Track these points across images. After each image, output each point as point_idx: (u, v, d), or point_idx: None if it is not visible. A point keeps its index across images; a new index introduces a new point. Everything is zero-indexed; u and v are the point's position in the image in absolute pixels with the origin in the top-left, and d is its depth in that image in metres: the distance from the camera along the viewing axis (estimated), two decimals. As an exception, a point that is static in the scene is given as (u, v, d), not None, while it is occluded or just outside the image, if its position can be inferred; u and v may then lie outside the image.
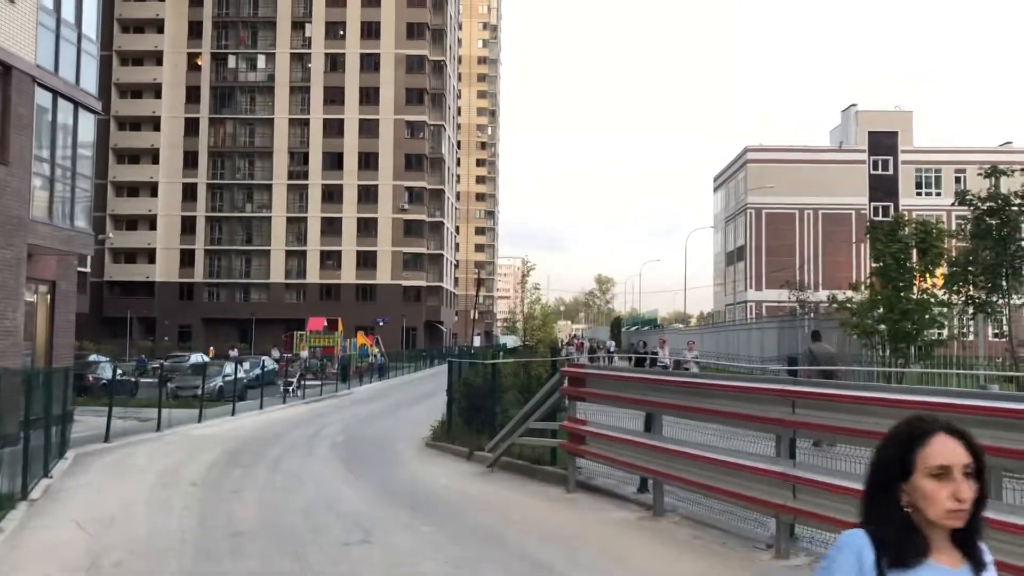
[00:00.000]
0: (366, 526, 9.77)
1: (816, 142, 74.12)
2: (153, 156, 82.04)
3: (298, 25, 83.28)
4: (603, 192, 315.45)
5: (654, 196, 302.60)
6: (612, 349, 58.18)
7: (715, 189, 78.04)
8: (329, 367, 46.21)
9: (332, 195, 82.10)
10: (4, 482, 10.17)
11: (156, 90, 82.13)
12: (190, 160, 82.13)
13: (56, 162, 20.35)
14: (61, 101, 20.15)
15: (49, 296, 21.60)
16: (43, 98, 19.36)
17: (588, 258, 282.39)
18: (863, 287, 22.51)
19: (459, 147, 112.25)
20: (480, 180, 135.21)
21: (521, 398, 14.74)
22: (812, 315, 30.77)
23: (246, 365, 39.01)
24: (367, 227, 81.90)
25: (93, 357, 39.08)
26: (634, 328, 75.64)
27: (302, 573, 7.92)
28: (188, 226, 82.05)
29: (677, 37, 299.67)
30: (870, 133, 64.82)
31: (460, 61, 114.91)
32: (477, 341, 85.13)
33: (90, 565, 8.11)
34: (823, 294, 38.39)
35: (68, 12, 20.59)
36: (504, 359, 24.00)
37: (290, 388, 34.41)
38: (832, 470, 7.39)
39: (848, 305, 21.18)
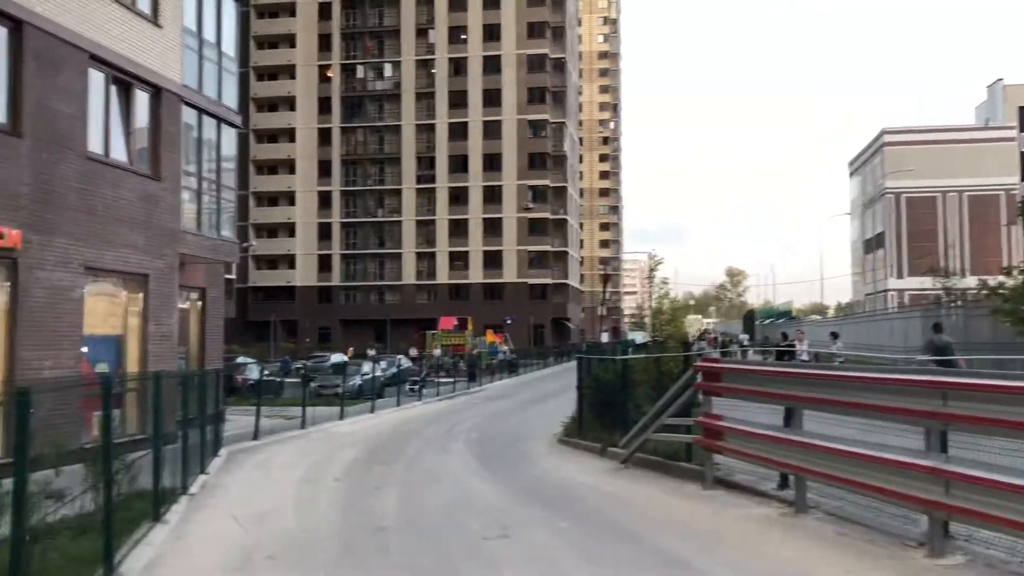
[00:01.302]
0: (503, 521, 9.92)
1: (958, 121, 70.16)
2: (290, 166, 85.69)
3: (422, 32, 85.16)
4: (731, 182, 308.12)
5: (786, 184, 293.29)
6: (745, 343, 56.80)
7: (851, 174, 75.08)
8: (461, 365, 47.01)
9: (458, 197, 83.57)
10: (167, 478, 10.84)
11: (291, 103, 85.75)
12: (324, 169, 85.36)
13: (202, 175, 21.53)
14: (205, 118, 21.32)
15: (200, 302, 22.88)
16: (189, 116, 20.53)
17: (717, 250, 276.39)
18: (1016, 272, 21.17)
19: (581, 143, 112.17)
20: (603, 176, 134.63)
21: (653, 394, 14.59)
22: (959, 302, 29.16)
23: (383, 364, 40.17)
24: (493, 227, 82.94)
25: (241, 359, 41.09)
26: (768, 321, 73.59)
27: (444, 567, 8.12)
28: (324, 232, 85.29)
29: (807, 16, 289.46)
30: (1021, 108, 60.87)
31: (581, 57, 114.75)
32: (605, 337, 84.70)
33: (246, 558, 8.57)
34: (971, 280, 36.33)
35: (209, 32, 21.75)
36: (633, 355, 23.81)
37: (415, 387, 34.85)
38: (993, 465, 6.99)
39: (1000, 291, 19.98)
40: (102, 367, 17.22)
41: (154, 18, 18.88)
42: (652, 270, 42.11)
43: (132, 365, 18.15)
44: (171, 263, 19.37)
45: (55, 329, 15.57)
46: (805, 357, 24.80)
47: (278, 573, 8.03)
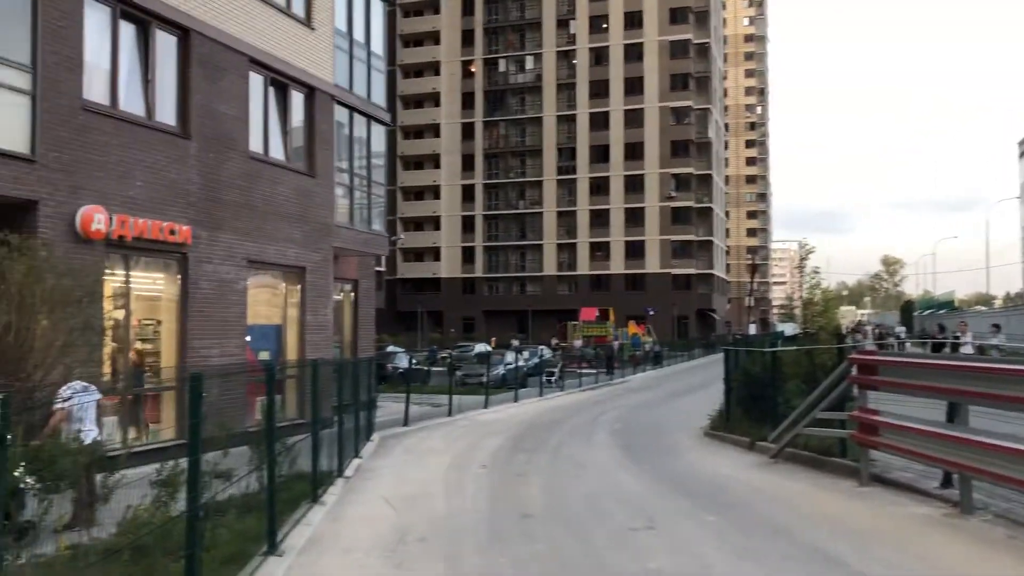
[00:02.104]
0: (649, 513, 9.86)
1: None
2: (435, 161, 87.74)
3: (563, 23, 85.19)
4: (886, 167, 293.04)
5: (945, 169, 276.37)
6: (903, 335, 54.04)
7: (1021, 155, 69.95)
8: (603, 356, 46.73)
9: (599, 187, 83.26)
10: (324, 461, 11.36)
11: (435, 99, 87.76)
12: (467, 162, 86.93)
13: (354, 172, 22.36)
14: (356, 116, 22.11)
15: (352, 293, 23.80)
16: (341, 114, 21.34)
17: (872, 238, 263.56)
18: None
19: (727, 130, 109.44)
20: (750, 162, 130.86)
21: (804, 387, 14.12)
22: None
23: (525, 354, 40.57)
24: (635, 217, 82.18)
25: (390, 348, 42.48)
26: (927, 312, 69.73)
27: (589, 556, 8.15)
28: (468, 225, 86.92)
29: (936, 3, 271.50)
30: None
31: (725, 41, 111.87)
32: (752, 329, 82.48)
33: (399, 539, 8.88)
34: None
35: (359, 33, 22.53)
36: (783, 347, 23.09)
37: (551, 379, 34.54)
38: None
39: None
40: (264, 355, 18.21)
41: (307, 21, 19.72)
42: (803, 259, 40.68)
43: (291, 353, 19.11)
44: (326, 256, 20.23)
45: (221, 319, 16.57)
46: (969, 349, 23.38)
47: (429, 555, 8.27)
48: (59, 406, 8.50)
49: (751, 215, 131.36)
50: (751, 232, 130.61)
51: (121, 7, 14.58)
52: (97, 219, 13.49)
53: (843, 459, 11.81)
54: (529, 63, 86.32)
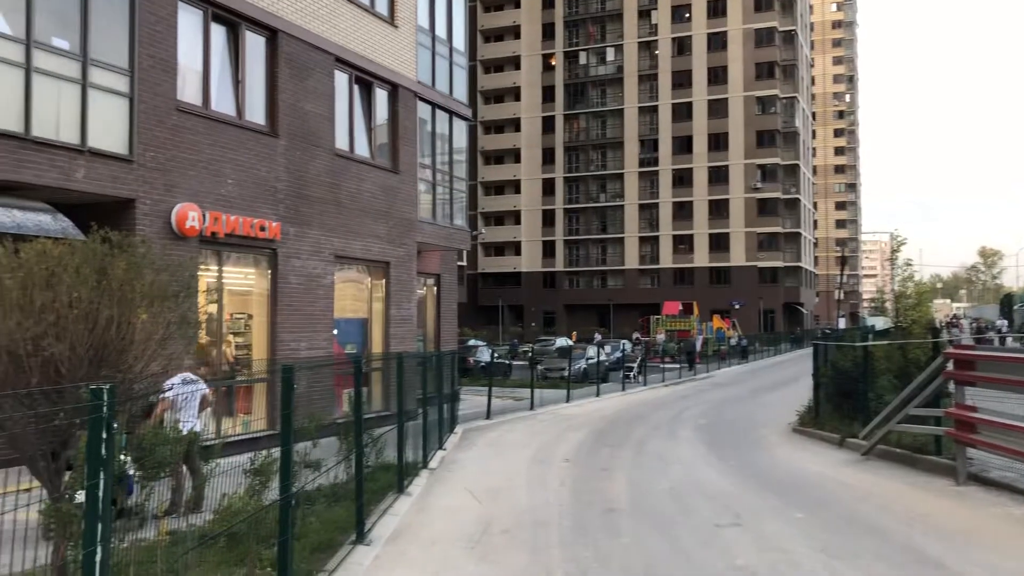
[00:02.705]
0: (735, 509, 9.71)
1: None
2: (515, 155, 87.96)
3: (644, 13, 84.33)
4: (983, 154, 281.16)
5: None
6: (1004, 329, 51.86)
7: None
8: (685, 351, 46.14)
9: (682, 179, 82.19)
10: (409, 452, 11.53)
11: (515, 93, 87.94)
12: (548, 156, 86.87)
13: (436, 167, 22.59)
14: (438, 112, 22.33)
15: (435, 287, 24.08)
16: (423, 111, 21.58)
17: (968, 229, 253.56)
18: None
19: (814, 118, 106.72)
20: (838, 152, 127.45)
21: (897, 383, 13.71)
22: None
23: (607, 348, 40.39)
24: (719, 209, 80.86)
25: (472, 342, 42.82)
26: (1029, 305, 66.72)
27: (674, 552, 8.08)
28: (548, 219, 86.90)
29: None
30: None
31: (812, 28, 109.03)
32: (842, 323, 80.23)
33: (483, 531, 8.95)
34: None
35: (441, 30, 22.74)
36: (874, 341, 22.44)
37: (630, 374, 33.94)
38: None
39: None
40: (350, 348, 18.57)
41: (391, 19, 19.99)
42: (894, 251, 39.32)
43: (376, 346, 19.45)
44: (410, 251, 20.50)
45: (309, 313, 16.96)
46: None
47: (513, 546, 8.32)
48: (164, 395, 8.89)
49: (840, 206, 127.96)
50: (840, 223, 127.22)
51: (212, 10, 15.03)
52: (191, 216, 13.97)
53: (938, 457, 11.42)
54: (610, 55, 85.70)
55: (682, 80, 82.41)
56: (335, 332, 17.85)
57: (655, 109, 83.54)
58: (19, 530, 5.37)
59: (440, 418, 15.34)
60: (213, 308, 14.63)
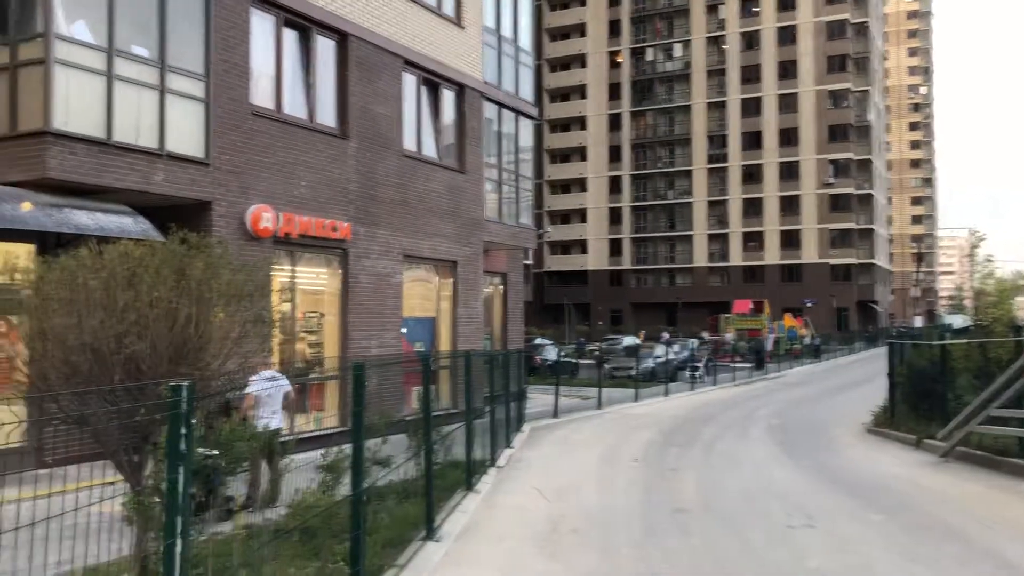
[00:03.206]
0: (808, 511, 9.53)
1: None
2: (581, 153, 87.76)
3: (712, 8, 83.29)
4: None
5: None
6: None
7: None
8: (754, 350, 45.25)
9: (752, 175, 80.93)
10: (478, 450, 11.59)
11: (581, 91, 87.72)
12: (614, 154, 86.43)
13: (502, 167, 22.66)
14: (504, 111, 22.39)
15: (502, 286, 24.16)
16: (490, 110, 21.67)
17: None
18: None
19: (888, 112, 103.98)
20: (914, 146, 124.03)
21: (977, 383, 13.29)
22: None
23: (676, 347, 40.00)
24: (790, 205, 79.39)
25: (538, 341, 42.82)
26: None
27: (745, 552, 7.97)
28: (615, 216, 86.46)
29: None
30: None
31: (886, 20, 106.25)
32: (918, 321, 78.14)
33: (552, 529, 8.96)
34: None
35: (507, 29, 22.80)
36: (952, 340, 21.78)
37: (696, 373, 33.24)
38: None
39: None
40: (419, 346, 18.76)
41: (458, 20, 20.13)
42: (973, 247, 38.05)
43: (443, 345, 19.60)
44: (476, 250, 20.62)
45: (379, 312, 17.18)
46: None
47: (582, 545, 8.30)
48: (249, 391, 9.14)
49: (915, 201, 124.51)
50: (916, 219, 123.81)
51: (284, 15, 15.34)
52: (265, 217, 14.28)
53: (1022, 460, 11.04)
54: (677, 51, 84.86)
55: (751, 75, 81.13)
56: (404, 330, 18.05)
57: (723, 104, 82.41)
58: (104, 522, 5.58)
59: (507, 416, 15.38)
60: (287, 307, 14.93)
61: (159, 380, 6.04)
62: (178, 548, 3.19)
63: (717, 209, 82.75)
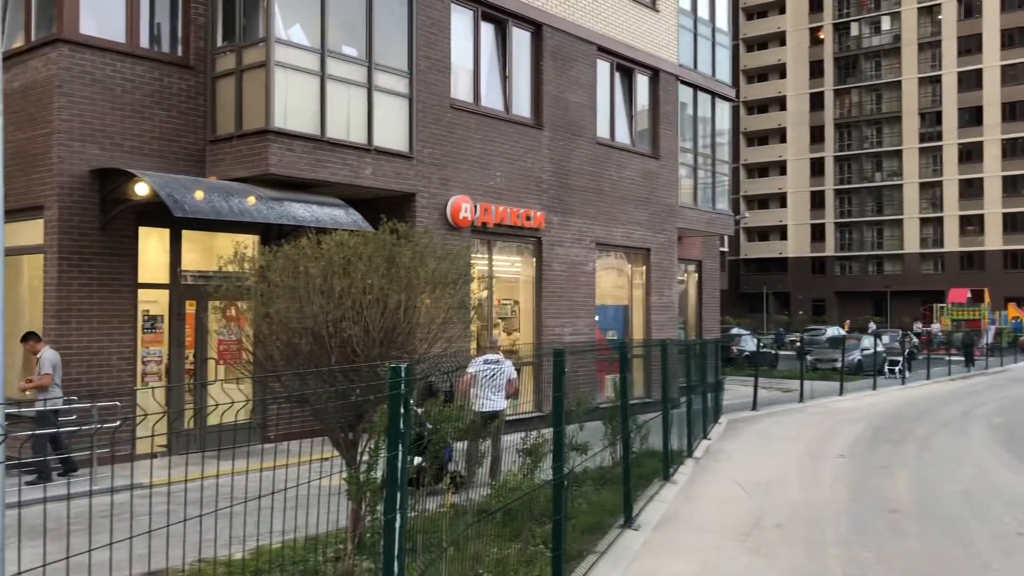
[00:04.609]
0: (1042, 518, 8.73)
1: None
2: (780, 135, 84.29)
3: (924, -25, 77.63)
4: None
5: None
6: None
7: None
8: (978, 340, 41.65)
9: (970, 154, 74.74)
10: (674, 440, 11.44)
11: (780, 70, 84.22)
12: (816, 135, 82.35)
13: (698, 151, 22.16)
14: (700, 94, 21.88)
15: (696, 274, 23.69)
16: (685, 94, 21.24)
17: None
18: None
19: None
20: None
21: None
22: None
23: (885, 339, 37.73)
24: (1015, 186, 72.73)
25: (735, 330, 41.69)
26: None
27: (968, 558, 7.40)
28: (817, 200, 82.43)
29: None
30: None
31: None
32: None
33: (754, 524, 8.69)
34: None
35: (703, 10, 22.26)
36: None
37: (895, 368, 30.96)
38: None
39: None
40: (611, 334, 18.74)
41: (652, 3, 19.85)
42: None
43: (636, 333, 19.47)
44: (670, 237, 20.31)
45: (572, 299, 17.31)
46: None
47: (788, 542, 8.00)
48: (471, 370, 9.55)
49: None
50: None
51: (482, 9, 15.70)
52: (464, 208, 14.72)
53: None
54: (885, 23, 79.63)
55: (970, 45, 74.81)
56: (596, 318, 18.08)
57: (938, 79, 76.55)
58: (322, 494, 5.95)
59: (704, 407, 15.08)
60: (484, 294, 15.33)
61: (372, 363, 6.37)
62: (397, 523, 3.34)
63: (930, 191, 77.10)
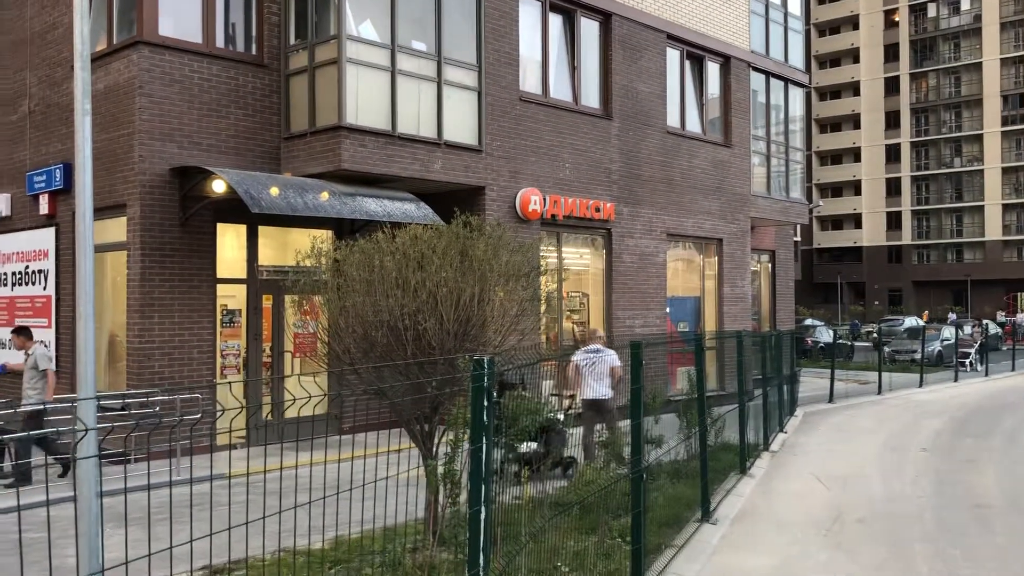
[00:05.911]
0: None
1: None
2: (854, 121, 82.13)
3: (1007, -48, 74.69)
4: None
5: None
6: None
7: None
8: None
9: (1057, 136, 71.82)
10: (750, 433, 11.25)
11: (854, 55, 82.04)
12: (891, 120, 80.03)
13: (770, 139, 21.72)
14: (772, 81, 21.43)
15: (769, 264, 23.27)
16: (756, 81, 20.82)
17: None
18: None
19: None
20: None
21: None
22: None
23: (967, 329, 36.51)
24: (1106, 169, 69.67)
25: (809, 321, 40.88)
26: None
27: (1065, 558, 7.11)
28: (892, 188, 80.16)
29: None
30: None
31: None
32: None
33: (834, 519, 8.49)
34: None
35: (775, -5, 21.79)
36: None
37: (965, 361, 29.21)
38: None
39: None
40: (683, 326, 18.52)
41: (722, -10, 19.50)
42: None
43: (709, 324, 19.20)
44: (743, 227, 19.97)
45: (643, 291, 17.15)
46: None
47: (870, 538, 7.80)
48: (576, 359, 9.65)
49: None
50: None
51: (550, 0, 15.63)
52: (533, 200, 14.70)
53: None
54: (965, 3, 76.87)
55: (1057, 23, 71.83)
56: (668, 310, 17.89)
57: (1021, 60, 73.64)
58: (399, 486, 5.99)
59: (780, 400, 14.80)
60: (553, 286, 15.30)
61: (447, 356, 6.39)
62: (483, 515, 3.34)
63: (1013, 176, 74.28)
